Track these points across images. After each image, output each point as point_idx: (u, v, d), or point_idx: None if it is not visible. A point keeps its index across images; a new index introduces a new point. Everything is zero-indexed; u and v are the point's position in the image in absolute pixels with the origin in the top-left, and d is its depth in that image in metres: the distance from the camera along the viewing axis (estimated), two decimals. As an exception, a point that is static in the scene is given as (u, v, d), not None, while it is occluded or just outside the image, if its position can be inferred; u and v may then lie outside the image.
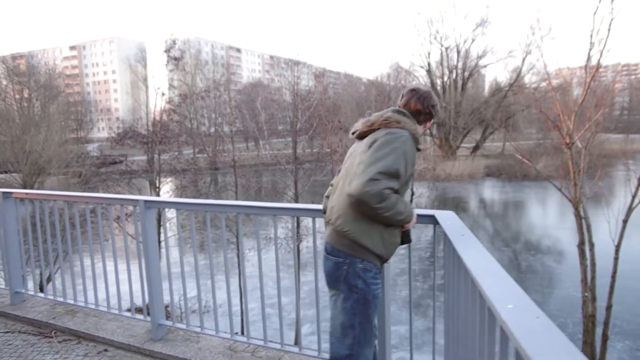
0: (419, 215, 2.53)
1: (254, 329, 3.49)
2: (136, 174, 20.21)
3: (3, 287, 4.44)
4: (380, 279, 2.22)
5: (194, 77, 50.99)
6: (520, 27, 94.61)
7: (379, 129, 2.19)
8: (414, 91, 2.37)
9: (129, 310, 3.81)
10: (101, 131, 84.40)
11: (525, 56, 47.13)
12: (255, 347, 3.22)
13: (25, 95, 47.43)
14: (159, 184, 17.21)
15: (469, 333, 1.73)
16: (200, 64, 63.49)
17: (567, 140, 12.95)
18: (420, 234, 17.19)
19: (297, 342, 11.59)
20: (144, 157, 20.93)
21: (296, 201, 15.72)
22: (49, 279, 8.99)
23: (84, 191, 19.04)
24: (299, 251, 14.63)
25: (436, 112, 2.39)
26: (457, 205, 32.82)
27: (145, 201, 3.35)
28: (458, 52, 53.13)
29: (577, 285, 13.72)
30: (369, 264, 2.16)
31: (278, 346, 3.07)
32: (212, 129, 46.69)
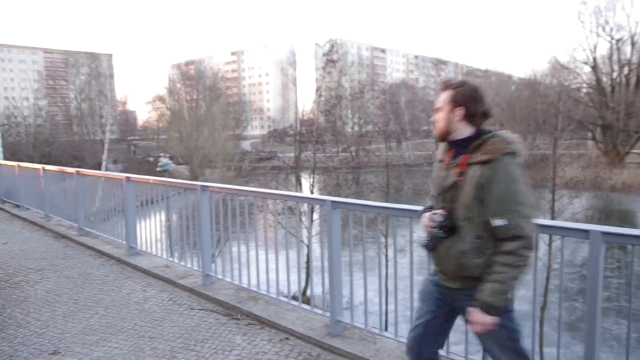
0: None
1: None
2: (284, 170, 21.49)
3: (196, 269, 5.01)
4: None
5: (340, 78, 52.61)
6: None
7: None
8: None
9: (307, 302, 4.02)
10: (254, 129, 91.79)
11: None
12: (435, 356, 3.14)
13: (194, 97, 53.73)
14: (313, 182, 18.10)
15: None
16: (347, 65, 65.19)
17: None
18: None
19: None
20: (291, 154, 22.17)
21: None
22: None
23: (242, 184, 20.86)
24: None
25: None
26: (624, 219, 28.69)
27: (332, 201, 3.50)
28: (633, 45, 46.15)
29: None
30: None
31: (462, 358, 2.97)
32: (356, 128, 47.64)
